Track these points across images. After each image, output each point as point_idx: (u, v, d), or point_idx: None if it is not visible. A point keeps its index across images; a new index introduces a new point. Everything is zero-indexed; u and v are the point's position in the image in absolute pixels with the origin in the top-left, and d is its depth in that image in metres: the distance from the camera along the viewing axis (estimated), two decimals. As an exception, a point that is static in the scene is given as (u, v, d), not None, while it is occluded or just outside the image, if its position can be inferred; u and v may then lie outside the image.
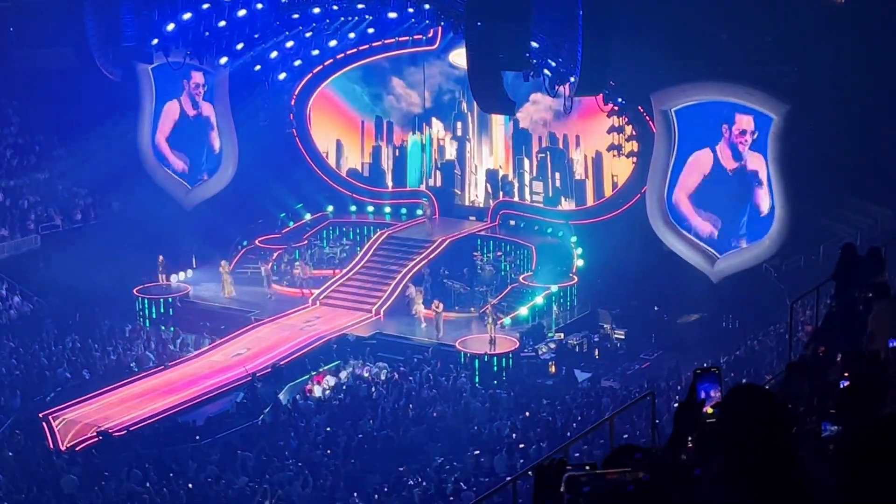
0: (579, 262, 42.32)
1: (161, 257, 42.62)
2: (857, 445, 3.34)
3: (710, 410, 5.52)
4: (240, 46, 42.52)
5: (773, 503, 4.13)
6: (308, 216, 47.79)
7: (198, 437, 30.74)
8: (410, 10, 39.57)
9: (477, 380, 35.65)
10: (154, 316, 41.52)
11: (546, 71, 36.27)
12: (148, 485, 27.19)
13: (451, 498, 26.19)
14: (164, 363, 36.86)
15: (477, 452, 28.94)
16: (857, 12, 36.17)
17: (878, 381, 6.42)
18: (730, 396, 4.43)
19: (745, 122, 37.51)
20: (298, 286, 42.96)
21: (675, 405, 24.12)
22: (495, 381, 35.83)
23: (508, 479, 18.75)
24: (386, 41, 45.65)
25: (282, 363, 36.28)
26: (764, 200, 37.51)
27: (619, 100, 39.82)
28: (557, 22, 34.87)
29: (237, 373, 35.55)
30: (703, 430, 5.43)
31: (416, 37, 45.07)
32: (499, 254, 44.16)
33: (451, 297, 40.44)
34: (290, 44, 43.39)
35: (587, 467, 4.94)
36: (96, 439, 30.80)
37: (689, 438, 5.50)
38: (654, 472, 4.59)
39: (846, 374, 7.63)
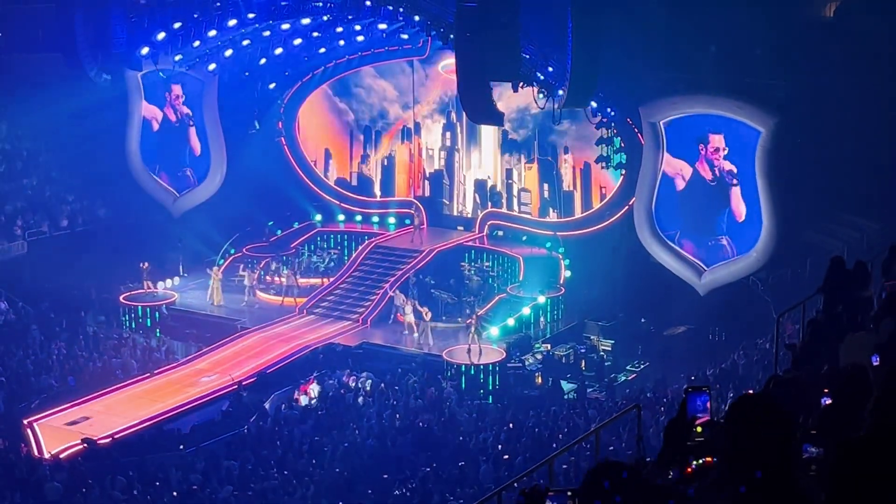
0: (566, 274, 42.36)
1: (145, 264, 42.47)
2: (844, 461, 3.33)
3: (699, 429, 5.50)
4: (228, 53, 42.53)
5: None
6: (296, 224, 47.76)
7: (182, 447, 30.63)
8: (401, 20, 39.61)
9: (463, 390, 35.63)
10: (140, 323, 41.40)
11: (535, 82, 36.29)
12: (134, 492, 27.10)
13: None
14: (149, 370, 36.74)
15: (462, 463, 28.91)
16: (845, 27, 36.28)
17: (861, 400, 6.40)
18: (738, 404, 4.39)
19: (717, 140, 37.70)
20: (285, 294, 42.89)
21: (663, 419, 24.18)
22: (481, 392, 35.82)
23: (494, 490, 18.72)
24: (376, 50, 45.63)
25: (268, 372, 36.20)
26: (740, 206, 37.60)
27: (608, 111, 39.86)
28: (547, 33, 34.98)
29: (223, 381, 35.51)
30: (693, 446, 5.42)
31: (405, 46, 45.05)
32: (486, 264, 44.15)
33: (437, 308, 40.40)
34: (279, 50, 43.33)
35: (569, 493, 4.94)
36: (81, 447, 30.67)
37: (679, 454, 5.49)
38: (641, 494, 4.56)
39: (826, 391, 7.61)
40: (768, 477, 4.12)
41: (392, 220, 48.07)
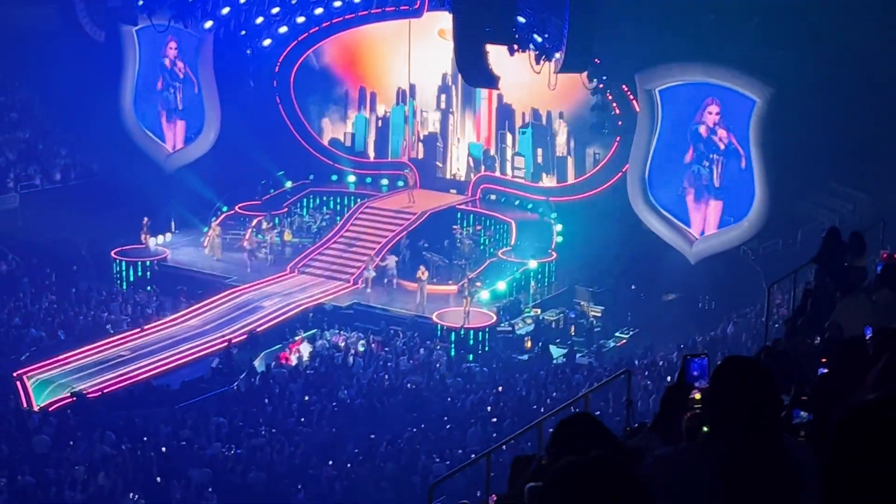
0: (558, 239, 42.39)
1: (146, 219, 42.50)
2: (847, 428, 3.35)
3: (697, 396, 5.53)
4: (225, 11, 42.36)
5: (754, 475, 4.15)
6: (289, 184, 47.67)
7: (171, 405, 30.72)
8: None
9: (452, 353, 35.73)
10: (131, 279, 41.40)
11: (531, 46, 36.21)
12: (123, 447, 27.18)
13: (423, 469, 26.30)
14: (140, 326, 36.78)
15: (449, 426, 29.04)
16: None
17: (858, 369, 6.44)
18: (723, 366, 4.43)
19: (713, 107, 37.78)
20: (272, 253, 42.72)
21: (651, 385, 24.11)
22: (471, 355, 35.92)
23: (477, 453, 18.80)
24: (372, 10, 45.43)
25: (258, 330, 36.26)
26: (736, 162, 37.73)
27: (604, 78, 39.80)
28: (545, -3, 34.83)
29: (213, 338, 35.60)
30: (691, 414, 5.45)
31: (401, 7, 44.86)
32: (478, 228, 44.15)
33: (429, 270, 40.44)
34: (275, 10, 43.17)
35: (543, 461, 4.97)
36: (70, 400, 30.75)
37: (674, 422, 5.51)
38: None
39: (824, 361, 7.65)
40: (752, 438, 4.16)
41: (385, 181, 48.01)
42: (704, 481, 4.17)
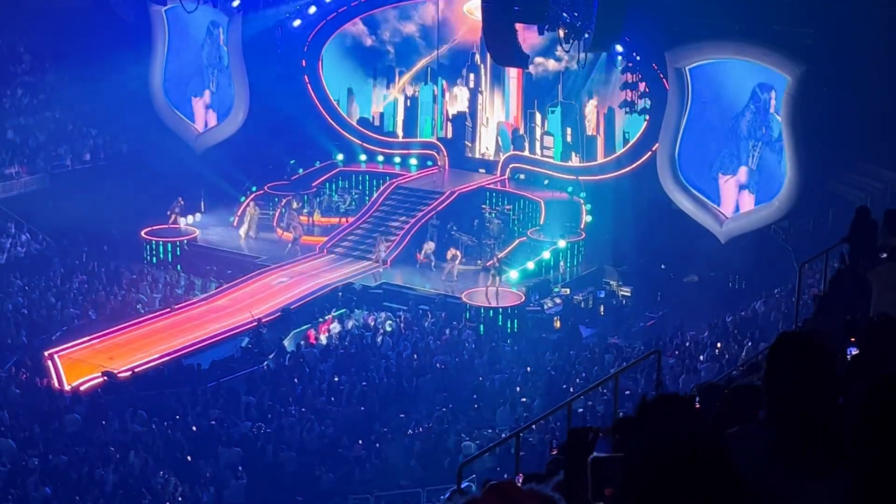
0: (587, 218, 42.27)
1: (180, 199, 42.60)
2: (880, 397, 3.30)
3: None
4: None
5: (816, 454, 4.06)
6: (317, 164, 47.65)
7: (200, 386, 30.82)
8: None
9: (482, 332, 35.70)
10: (161, 258, 41.55)
11: (561, 25, 36.03)
12: (153, 426, 27.32)
13: (453, 449, 26.35)
14: (170, 306, 36.91)
15: (477, 406, 29.06)
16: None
17: (889, 349, 6.37)
18: (778, 343, 4.29)
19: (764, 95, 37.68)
20: (298, 234, 42.68)
21: (680, 367, 23.81)
22: (507, 341, 35.86)
23: (507, 433, 18.82)
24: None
25: (292, 307, 36.30)
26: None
27: (634, 56, 39.59)
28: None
29: (243, 317, 35.68)
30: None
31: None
32: (507, 207, 44.06)
33: (459, 250, 40.41)
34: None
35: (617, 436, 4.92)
36: (101, 379, 30.90)
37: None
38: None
39: (853, 340, 7.58)
40: (809, 418, 4.06)
41: (414, 160, 47.93)
42: (761, 463, 4.09)
